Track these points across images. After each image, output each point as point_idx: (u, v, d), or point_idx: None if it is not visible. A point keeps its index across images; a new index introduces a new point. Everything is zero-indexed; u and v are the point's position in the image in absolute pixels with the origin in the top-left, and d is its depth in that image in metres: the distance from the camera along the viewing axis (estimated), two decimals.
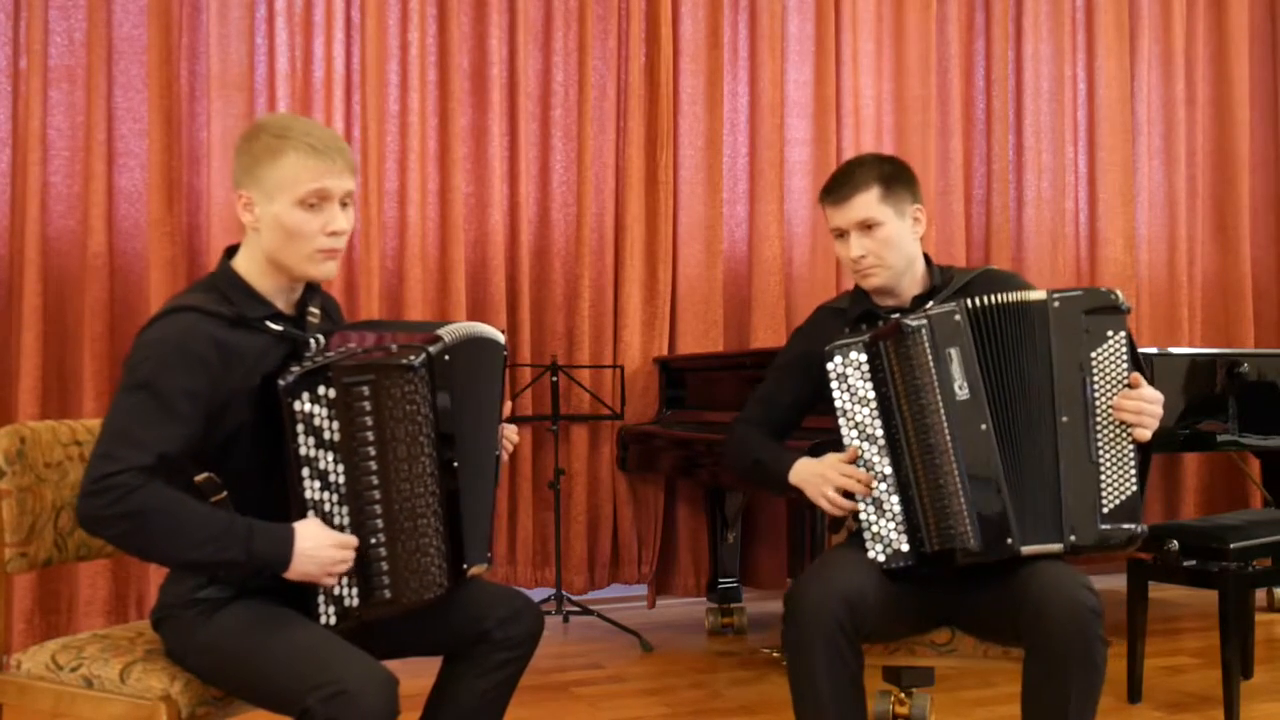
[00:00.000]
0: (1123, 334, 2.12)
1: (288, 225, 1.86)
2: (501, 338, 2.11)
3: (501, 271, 4.40)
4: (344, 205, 1.90)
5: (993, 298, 2.14)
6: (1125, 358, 2.11)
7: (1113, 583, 4.01)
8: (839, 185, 2.31)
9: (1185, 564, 3.13)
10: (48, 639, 2.23)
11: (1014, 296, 2.14)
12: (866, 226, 2.28)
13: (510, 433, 2.18)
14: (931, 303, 2.26)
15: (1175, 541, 3.14)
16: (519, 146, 4.46)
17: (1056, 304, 2.13)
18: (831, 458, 2.22)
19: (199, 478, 1.80)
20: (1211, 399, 3.75)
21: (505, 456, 2.17)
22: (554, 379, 4.24)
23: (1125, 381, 2.11)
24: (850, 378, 2.19)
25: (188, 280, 4.04)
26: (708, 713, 3.36)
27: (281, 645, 1.79)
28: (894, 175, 2.31)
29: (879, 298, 2.37)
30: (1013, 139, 5.16)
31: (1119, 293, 2.14)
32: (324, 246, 1.88)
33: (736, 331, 4.77)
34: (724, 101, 4.72)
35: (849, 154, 4.85)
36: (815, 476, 2.22)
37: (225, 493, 1.81)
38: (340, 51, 4.23)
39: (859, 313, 2.38)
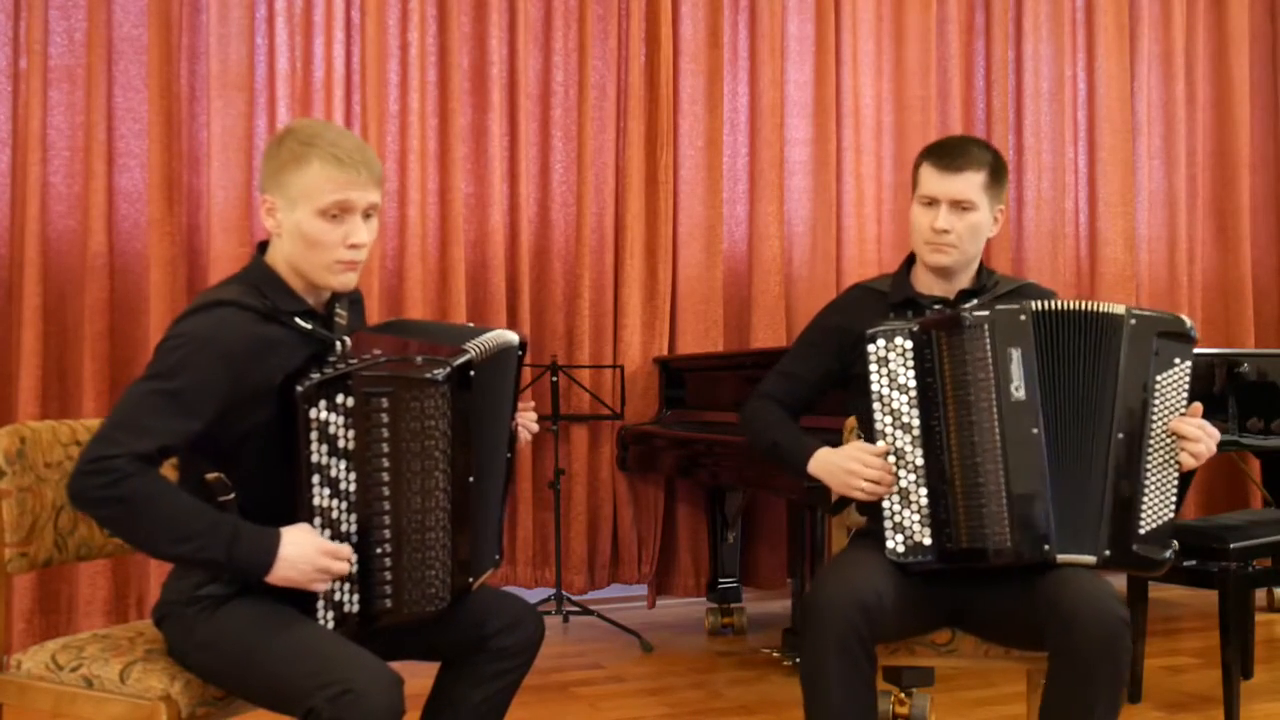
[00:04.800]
0: (1188, 364, 2.11)
1: (308, 234, 1.85)
2: (517, 339, 2.08)
3: (501, 271, 4.40)
4: (367, 217, 1.88)
5: (1063, 304, 2.12)
6: (1186, 387, 2.11)
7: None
8: (953, 154, 2.25)
9: (1185, 564, 3.13)
10: (48, 639, 2.22)
11: (1089, 306, 2.11)
12: (962, 207, 2.24)
13: (529, 420, 2.15)
14: (976, 301, 2.24)
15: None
16: (519, 146, 4.46)
17: (1134, 321, 2.10)
18: (853, 447, 2.19)
19: (210, 476, 1.79)
20: (1211, 399, 3.74)
21: (523, 442, 2.15)
22: (554, 379, 4.24)
23: (1182, 410, 2.11)
24: (892, 363, 2.14)
25: (188, 280, 4.04)
26: (708, 713, 3.36)
27: (286, 643, 1.78)
28: (999, 169, 2.29)
29: (925, 285, 2.33)
30: (1013, 139, 5.16)
31: (1190, 322, 2.14)
32: (343, 258, 1.86)
33: (736, 331, 4.77)
34: (724, 101, 4.72)
35: (849, 154, 4.86)
36: (839, 470, 2.18)
37: (234, 494, 1.80)
38: (340, 51, 4.23)
39: (901, 299, 2.33)
